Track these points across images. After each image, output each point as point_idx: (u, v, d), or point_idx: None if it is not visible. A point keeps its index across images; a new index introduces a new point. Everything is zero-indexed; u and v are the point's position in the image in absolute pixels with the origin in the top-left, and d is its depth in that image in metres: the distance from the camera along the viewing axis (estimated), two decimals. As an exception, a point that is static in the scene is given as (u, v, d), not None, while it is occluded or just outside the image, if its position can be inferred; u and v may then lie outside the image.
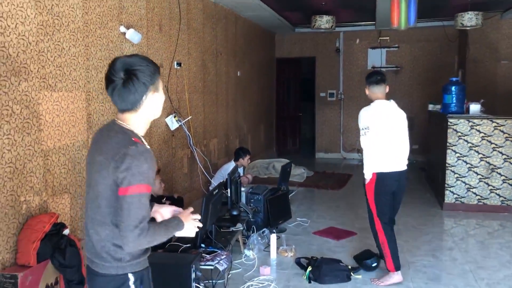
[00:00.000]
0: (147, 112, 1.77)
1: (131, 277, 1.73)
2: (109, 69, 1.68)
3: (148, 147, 1.76)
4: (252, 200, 5.06)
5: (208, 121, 6.47)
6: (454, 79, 5.96)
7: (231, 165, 6.07)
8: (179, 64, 5.42)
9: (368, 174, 3.72)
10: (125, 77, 1.65)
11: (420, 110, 10.06)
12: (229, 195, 4.35)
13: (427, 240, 4.90)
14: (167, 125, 5.16)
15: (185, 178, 5.70)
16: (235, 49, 7.71)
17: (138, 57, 1.71)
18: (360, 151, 10.02)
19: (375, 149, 3.65)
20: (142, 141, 1.75)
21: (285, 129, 11.20)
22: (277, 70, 10.86)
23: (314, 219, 5.68)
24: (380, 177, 3.67)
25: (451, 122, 5.89)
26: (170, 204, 2.16)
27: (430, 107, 7.68)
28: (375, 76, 3.83)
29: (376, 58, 10.24)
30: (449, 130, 5.90)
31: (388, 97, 3.90)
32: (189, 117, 5.47)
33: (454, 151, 5.91)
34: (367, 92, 3.80)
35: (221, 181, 4.66)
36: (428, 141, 7.78)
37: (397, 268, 3.77)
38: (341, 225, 5.43)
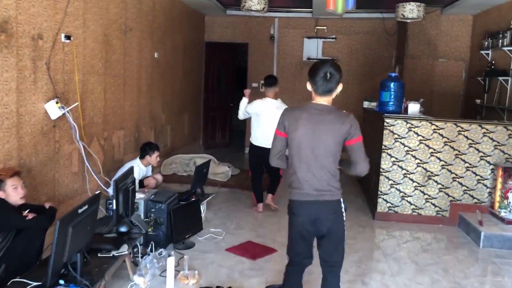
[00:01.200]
0: None
1: None
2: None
3: None
4: (153, 210, 4.14)
5: (110, 110, 5.42)
6: (393, 74, 5.35)
7: (134, 163, 5.09)
8: (67, 37, 4.33)
9: None
10: None
11: (355, 107, 9.52)
12: (114, 207, 3.39)
13: (356, 260, 4.22)
14: (47, 112, 4.08)
15: (75, 178, 4.64)
16: (152, 26, 6.66)
17: None
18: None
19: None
20: None
21: (214, 121, 10.28)
22: (207, 55, 9.89)
23: (230, 230, 4.85)
24: None
25: (387, 123, 5.28)
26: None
27: (365, 104, 7.11)
28: (270, 79, 5.67)
29: (312, 48, 9.57)
30: (385, 132, 5.29)
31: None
32: (76, 104, 4.39)
33: (390, 154, 5.31)
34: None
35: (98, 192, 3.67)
36: (363, 141, 7.19)
37: None
38: (261, 238, 4.64)
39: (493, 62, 6.77)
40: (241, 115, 5.63)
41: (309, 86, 2.65)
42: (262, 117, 5.35)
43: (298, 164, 2.59)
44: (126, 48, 5.78)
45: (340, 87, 2.61)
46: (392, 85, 5.22)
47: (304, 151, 2.56)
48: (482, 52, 7.15)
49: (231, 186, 6.76)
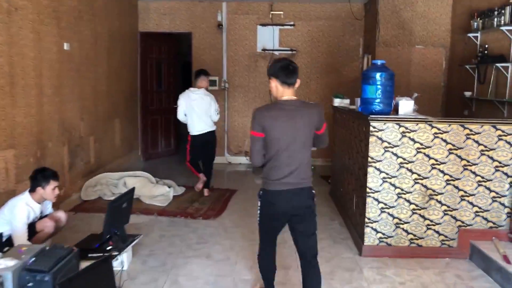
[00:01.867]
0: None
1: None
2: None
3: None
4: (30, 285, 2.59)
5: (-15, 123, 3.78)
6: (378, 62, 4.00)
7: (21, 200, 3.49)
8: None
9: None
10: None
11: (320, 105, 8.22)
12: None
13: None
14: None
15: None
16: (58, 10, 5.02)
17: None
18: (247, 155, 7.86)
19: None
20: None
21: (155, 126, 8.68)
22: (142, 49, 8.27)
23: (164, 293, 3.36)
24: None
25: (374, 127, 3.94)
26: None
27: (336, 102, 5.77)
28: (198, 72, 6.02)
29: (268, 38, 8.16)
30: (372, 139, 3.95)
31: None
32: None
33: (379, 169, 3.98)
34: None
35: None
36: (333, 145, 5.91)
37: None
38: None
39: (486, 46, 5.60)
40: (181, 116, 5.88)
41: (273, 84, 2.76)
42: (193, 107, 5.76)
43: (278, 157, 2.69)
44: (12, 36, 4.13)
45: (298, 83, 2.80)
46: (378, 76, 3.88)
47: (285, 145, 2.67)
48: (470, 35, 5.97)
49: (172, 214, 5.23)
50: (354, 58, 8.13)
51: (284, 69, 2.72)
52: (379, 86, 3.92)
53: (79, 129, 5.65)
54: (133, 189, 3.96)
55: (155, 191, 5.71)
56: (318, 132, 2.80)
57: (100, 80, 6.36)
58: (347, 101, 5.68)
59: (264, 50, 8.15)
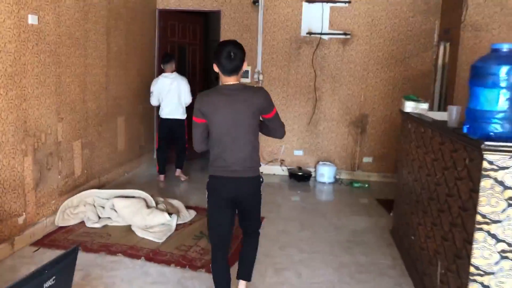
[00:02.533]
0: None
1: None
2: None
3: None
4: None
5: None
6: (504, 46, 2.26)
7: None
8: None
9: None
10: None
11: (378, 106, 6.46)
12: None
13: None
14: None
15: None
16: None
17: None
18: (283, 164, 6.68)
19: None
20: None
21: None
22: (161, 30, 6.80)
23: None
24: None
25: (492, 163, 2.21)
26: None
27: (409, 106, 4.03)
28: (166, 57, 5.89)
29: (315, 18, 6.45)
30: (486, 183, 2.23)
31: None
32: None
33: (495, 236, 2.26)
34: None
35: None
36: (398, 160, 4.19)
37: None
38: None
39: None
40: (153, 100, 5.87)
41: (216, 68, 2.65)
42: (163, 92, 5.76)
43: (222, 144, 2.62)
44: None
45: (245, 66, 2.66)
46: (505, 72, 2.17)
47: (227, 131, 2.59)
48: None
49: (165, 261, 3.69)
50: (427, 46, 6.28)
51: (224, 56, 2.58)
52: (506, 92, 2.18)
53: (54, 132, 4.23)
54: (72, 255, 2.40)
55: (151, 220, 4.22)
56: (266, 116, 2.69)
57: (94, 68, 4.93)
58: (424, 105, 3.93)
59: (309, 33, 6.46)
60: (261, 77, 6.64)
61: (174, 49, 7.04)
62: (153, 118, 6.87)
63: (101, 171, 5.24)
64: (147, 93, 6.11)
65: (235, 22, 6.62)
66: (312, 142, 6.69)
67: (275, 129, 2.80)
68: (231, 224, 2.79)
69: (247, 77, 6.67)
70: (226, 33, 6.65)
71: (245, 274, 2.97)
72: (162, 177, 6.06)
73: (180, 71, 6.93)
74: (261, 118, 2.70)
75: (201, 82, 7.58)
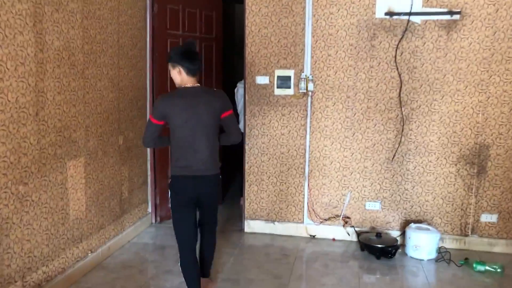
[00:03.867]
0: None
1: None
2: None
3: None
4: None
5: None
6: None
7: None
8: None
9: None
10: None
11: (508, 131, 3.86)
12: None
13: None
14: None
15: None
16: None
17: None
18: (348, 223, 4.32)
19: None
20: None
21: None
22: (154, 17, 4.43)
23: None
24: None
25: None
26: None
27: None
28: None
29: (399, -11, 3.94)
30: None
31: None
32: None
33: None
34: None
35: None
36: None
37: None
38: None
39: None
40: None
41: (174, 72, 2.75)
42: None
43: (184, 145, 2.70)
44: None
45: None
46: None
47: (189, 132, 2.68)
48: None
49: None
50: None
51: (188, 55, 2.71)
52: None
53: None
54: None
55: None
56: (222, 115, 2.78)
57: (8, 79, 2.59)
58: None
59: (390, 14, 3.95)
60: (311, 85, 4.16)
61: (177, 44, 4.66)
62: (145, 152, 4.50)
63: (30, 264, 2.88)
64: (135, 115, 3.75)
65: (269, 1, 4.18)
66: (395, 190, 4.16)
67: (229, 131, 2.87)
68: (195, 222, 2.88)
69: (289, 87, 4.21)
70: (254, 19, 4.22)
71: (204, 271, 3.12)
72: None
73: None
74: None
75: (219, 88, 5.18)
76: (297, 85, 4.22)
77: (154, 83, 4.50)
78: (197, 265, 2.90)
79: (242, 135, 2.58)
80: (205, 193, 2.83)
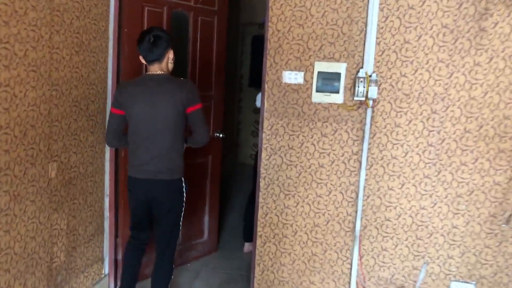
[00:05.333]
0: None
1: None
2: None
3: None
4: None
5: None
6: None
7: None
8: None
9: None
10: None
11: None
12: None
13: None
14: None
15: None
16: None
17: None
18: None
19: None
20: None
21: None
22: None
23: None
24: None
25: None
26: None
27: None
28: None
29: None
30: None
31: None
32: None
33: None
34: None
35: None
36: None
37: None
38: None
39: None
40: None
41: (141, 58, 2.43)
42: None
43: (137, 140, 2.41)
44: None
45: (171, 54, 2.44)
46: None
47: (143, 125, 2.37)
48: None
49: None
50: None
51: (143, 43, 2.35)
52: None
53: None
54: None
55: None
56: (188, 110, 2.39)
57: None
58: None
59: (517, -23, 2.33)
60: (373, 90, 2.52)
61: (160, 21, 3.03)
62: (100, 181, 2.87)
63: None
64: (82, 126, 2.11)
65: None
66: (502, 266, 2.56)
67: (194, 130, 2.45)
68: (145, 224, 2.60)
69: (336, 91, 2.59)
70: (285, -24, 2.58)
71: None
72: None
73: (178, 68, 2.83)
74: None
75: (231, 96, 3.59)
76: (350, 89, 2.60)
77: (120, 74, 2.86)
78: (139, 262, 2.67)
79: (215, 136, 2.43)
80: (155, 202, 2.49)
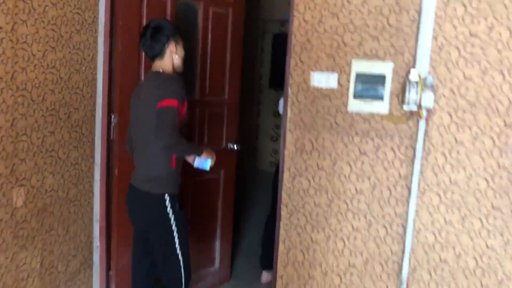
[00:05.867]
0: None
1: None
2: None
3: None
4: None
5: None
6: None
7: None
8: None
9: None
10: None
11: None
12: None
13: None
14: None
15: None
16: None
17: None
18: None
19: None
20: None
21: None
22: None
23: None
24: None
25: None
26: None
27: None
28: None
29: None
30: None
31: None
32: None
33: None
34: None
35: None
36: None
37: None
38: None
39: None
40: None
41: None
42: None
43: (131, 144, 2.19)
44: None
45: (174, 48, 2.05)
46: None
47: (133, 128, 2.13)
48: None
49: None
50: None
51: (143, 37, 2.04)
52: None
53: None
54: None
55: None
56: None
57: None
58: None
59: None
60: (428, 97, 1.95)
61: (162, 13, 2.53)
62: (87, 204, 2.38)
63: None
64: (62, 140, 1.62)
65: None
66: None
67: (154, 130, 1.90)
68: (141, 245, 2.16)
69: (380, 97, 2.03)
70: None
71: None
72: None
73: (185, 69, 2.31)
74: None
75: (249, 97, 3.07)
76: (397, 95, 2.04)
77: (113, 75, 2.36)
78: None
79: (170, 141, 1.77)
80: (136, 214, 2.09)
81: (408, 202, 2.09)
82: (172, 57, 2.07)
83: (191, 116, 2.37)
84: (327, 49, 2.10)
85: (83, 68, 2.17)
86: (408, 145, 2.06)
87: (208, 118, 2.90)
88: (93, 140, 2.28)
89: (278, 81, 6.05)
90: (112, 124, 2.40)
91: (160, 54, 2.04)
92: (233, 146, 3.04)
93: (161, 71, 2.06)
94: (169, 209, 2.03)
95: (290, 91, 2.18)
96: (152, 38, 2.02)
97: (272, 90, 6.01)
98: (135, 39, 2.36)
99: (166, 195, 2.04)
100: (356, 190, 2.15)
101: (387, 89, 2.04)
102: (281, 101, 2.91)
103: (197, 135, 2.84)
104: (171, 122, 1.89)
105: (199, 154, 2.08)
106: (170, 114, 1.89)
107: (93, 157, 2.32)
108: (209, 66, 2.84)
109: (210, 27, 2.80)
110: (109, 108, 2.38)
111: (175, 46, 2.06)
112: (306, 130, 2.17)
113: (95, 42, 2.26)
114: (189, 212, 2.81)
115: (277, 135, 6.13)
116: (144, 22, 2.44)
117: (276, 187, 2.45)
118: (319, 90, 2.13)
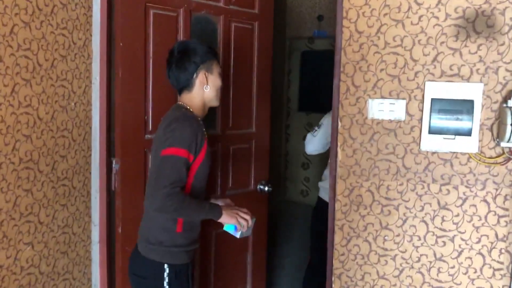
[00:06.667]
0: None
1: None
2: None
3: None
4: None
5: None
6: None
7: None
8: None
9: None
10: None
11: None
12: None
13: None
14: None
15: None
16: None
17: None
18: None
19: None
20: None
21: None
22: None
23: None
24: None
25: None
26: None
27: None
28: None
29: None
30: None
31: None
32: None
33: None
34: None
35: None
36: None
37: None
38: None
39: None
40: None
41: None
42: None
43: None
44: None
45: (204, 77, 1.66)
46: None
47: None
48: None
49: None
50: None
51: (167, 62, 1.67)
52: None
53: None
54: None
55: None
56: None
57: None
58: None
59: None
60: (539, 132, 1.39)
61: (173, 28, 2.06)
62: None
63: None
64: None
65: None
66: None
67: (152, 184, 1.53)
68: None
69: (466, 132, 1.48)
70: None
71: None
72: None
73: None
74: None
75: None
76: (490, 128, 1.48)
77: (112, 111, 1.88)
78: None
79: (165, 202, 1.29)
80: (131, 280, 1.67)
81: (509, 272, 1.52)
82: (203, 89, 1.69)
83: (212, 158, 1.86)
84: (389, 68, 1.57)
85: (73, 104, 1.70)
86: (508, 195, 1.50)
87: (233, 156, 2.40)
88: (89, 193, 1.80)
89: (308, 103, 5.58)
90: (113, 171, 1.92)
91: (187, 86, 1.66)
92: (264, 187, 2.52)
93: (182, 104, 1.67)
94: (165, 283, 1.57)
95: (340, 125, 1.65)
96: (177, 67, 1.64)
97: (302, 113, 5.54)
98: (139, 64, 1.89)
99: (166, 265, 1.56)
100: (435, 256, 1.58)
101: (476, 120, 1.49)
102: (309, 136, 2.44)
103: (219, 177, 2.33)
104: (173, 177, 1.48)
105: (216, 218, 1.58)
106: (171, 166, 1.50)
107: (89, 215, 1.84)
108: (232, 92, 2.34)
109: (232, 45, 2.32)
110: (109, 152, 1.90)
111: (206, 76, 1.67)
112: (364, 177, 1.63)
113: (88, 70, 1.79)
114: (211, 272, 2.28)
115: (308, 162, 5.63)
116: (151, 42, 1.98)
117: (315, 232, 2.02)
118: (380, 123, 1.60)
